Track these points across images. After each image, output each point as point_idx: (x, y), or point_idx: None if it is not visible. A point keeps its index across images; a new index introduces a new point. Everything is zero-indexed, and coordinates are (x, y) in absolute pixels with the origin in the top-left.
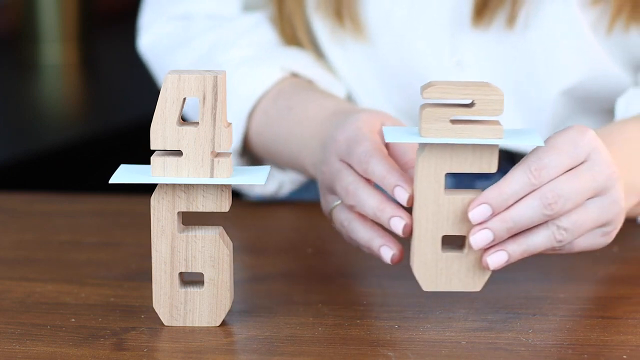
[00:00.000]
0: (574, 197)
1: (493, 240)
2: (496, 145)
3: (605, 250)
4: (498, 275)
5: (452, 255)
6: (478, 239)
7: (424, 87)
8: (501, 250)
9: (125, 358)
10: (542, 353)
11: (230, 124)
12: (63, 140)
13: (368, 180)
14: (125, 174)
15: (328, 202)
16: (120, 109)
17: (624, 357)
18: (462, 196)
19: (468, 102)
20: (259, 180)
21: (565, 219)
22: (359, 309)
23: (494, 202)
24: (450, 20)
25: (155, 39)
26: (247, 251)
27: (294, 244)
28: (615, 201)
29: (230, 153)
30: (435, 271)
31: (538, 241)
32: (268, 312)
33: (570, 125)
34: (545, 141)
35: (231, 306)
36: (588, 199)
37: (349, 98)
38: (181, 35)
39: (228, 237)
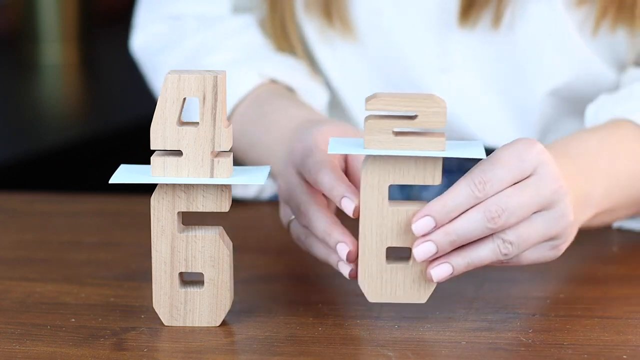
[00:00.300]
0: (519, 211)
1: (436, 253)
2: (440, 158)
3: (605, 250)
4: (498, 275)
5: (397, 266)
6: (421, 251)
7: (368, 99)
8: (445, 262)
9: (125, 358)
10: (542, 353)
11: (230, 123)
12: (63, 140)
13: (322, 197)
14: (125, 174)
15: (286, 214)
16: (120, 109)
17: (624, 357)
18: (406, 208)
19: (412, 114)
20: (259, 180)
21: (510, 233)
22: (359, 309)
23: (437, 214)
24: (438, 20)
25: (147, 39)
26: (247, 251)
27: (294, 244)
28: (562, 215)
29: (231, 153)
30: (381, 282)
31: (483, 254)
32: (268, 312)
33: (561, 123)
34: (492, 154)
35: (231, 306)
36: (534, 212)
37: (333, 102)
38: (170, 36)
39: (228, 237)
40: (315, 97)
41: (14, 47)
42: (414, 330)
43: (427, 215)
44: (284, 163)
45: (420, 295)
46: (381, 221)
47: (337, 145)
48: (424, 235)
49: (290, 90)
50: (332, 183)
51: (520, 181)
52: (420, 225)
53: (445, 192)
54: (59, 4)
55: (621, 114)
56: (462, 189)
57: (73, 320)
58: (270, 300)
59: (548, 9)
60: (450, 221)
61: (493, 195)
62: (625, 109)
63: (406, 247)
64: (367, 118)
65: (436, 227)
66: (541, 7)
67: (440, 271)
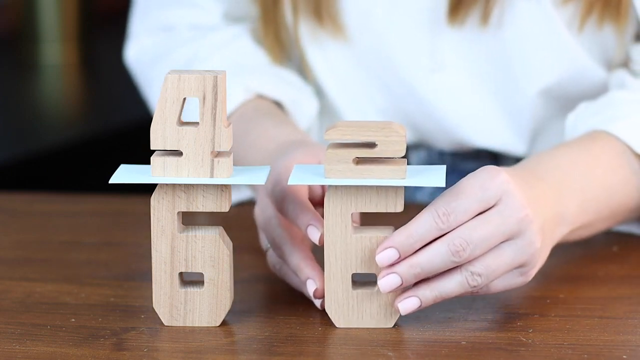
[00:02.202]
0: (484, 243)
1: (401, 285)
2: (401, 186)
3: (605, 250)
4: None
5: (363, 292)
6: (385, 283)
7: (327, 129)
8: (413, 296)
9: (125, 358)
10: (542, 353)
11: (230, 123)
12: (63, 140)
13: (296, 228)
14: (125, 174)
15: (263, 241)
16: (120, 109)
17: (624, 357)
18: (370, 235)
19: (372, 141)
20: (260, 180)
21: (478, 264)
22: None
23: (400, 246)
24: (428, 19)
25: (140, 50)
26: (247, 251)
27: None
28: (530, 243)
29: (231, 153)
30: (347, 309)
31: (451, 287)
32: (268, 312)
33: (553, 123)
34: (456, 184)
35: (231, 306)
36: (501, 242)
37: (325, 106)
38: (163, 47)
39: (228, 237)
40: (303, 109)
41: (14, 47)
42: (414, 330)
43: (390, 247)
44: (261, 191)
45: (387, 321)
46: (346, 248)
47: (298, 175)
48: (388, 267)
49: (277, 104)
50: (296, 212)
51: (485, 211)
52: (384, 256)
53: (409, 223)
54: (59, 4)
55: (598, 124)
56: (425, 220)
57: (73, 320)
58: (270, 300)
59: (536, 7)
60: (415, 253)
61: (457, 226)
62: (602, 119)
63: (372, 273)
64: (328, 147)
65: (400, 259)
66: (529, 5)
67: (408, 304)
